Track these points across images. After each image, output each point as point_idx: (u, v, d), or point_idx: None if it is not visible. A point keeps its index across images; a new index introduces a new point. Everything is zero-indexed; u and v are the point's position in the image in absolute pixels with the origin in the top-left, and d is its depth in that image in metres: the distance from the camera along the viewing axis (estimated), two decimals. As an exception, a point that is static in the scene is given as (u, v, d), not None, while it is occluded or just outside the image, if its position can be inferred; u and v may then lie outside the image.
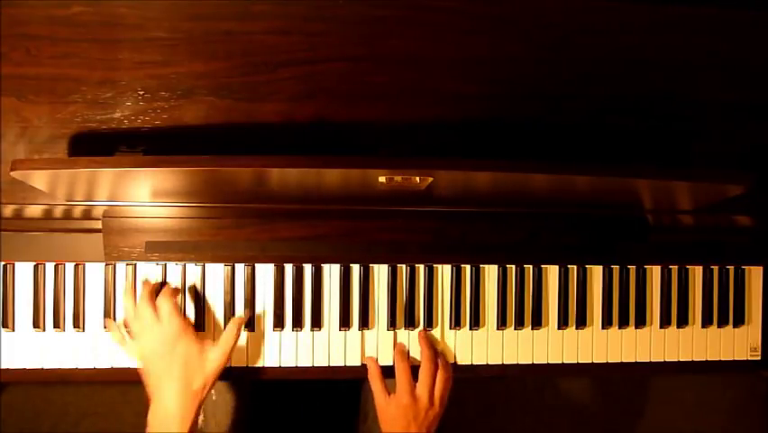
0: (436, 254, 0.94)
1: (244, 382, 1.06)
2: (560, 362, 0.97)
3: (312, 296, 0.93)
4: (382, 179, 0.71)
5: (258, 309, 0.92)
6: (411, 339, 0.94)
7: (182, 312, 0.84)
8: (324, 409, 1.14)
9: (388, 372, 0.92)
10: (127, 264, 0.90)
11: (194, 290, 0.91)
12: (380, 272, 0.94)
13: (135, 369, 0.90)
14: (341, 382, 1.09)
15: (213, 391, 0.97)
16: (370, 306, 0.94)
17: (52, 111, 0.80)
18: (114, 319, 0.90)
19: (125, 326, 0.88)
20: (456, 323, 0.95)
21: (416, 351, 0.93)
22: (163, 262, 0.90)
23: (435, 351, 0.92)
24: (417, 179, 0.71)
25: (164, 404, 0.78)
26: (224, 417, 0.94)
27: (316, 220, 0.90)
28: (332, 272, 0.93)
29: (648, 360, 0.99)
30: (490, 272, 0.96)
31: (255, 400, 1.06)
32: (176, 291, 0.88)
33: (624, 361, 0.98)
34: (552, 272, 0.97)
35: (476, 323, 0.95)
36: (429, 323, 0.94)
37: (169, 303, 0.84)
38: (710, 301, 1.01)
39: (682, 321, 1.00)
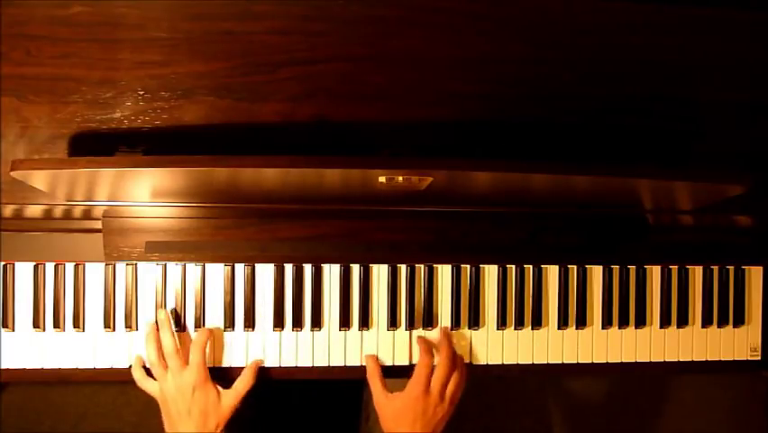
0: (436, 254, 0.94)
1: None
2: (560, 362, 0.97)
3: (312, 296, 0.93)
4: (382, 179, 0.71)
5: (258, 309, 0.92)
6: (411, 339, 0.94)
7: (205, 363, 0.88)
8: (324, 410, 1.14)
9: (387, 372, 0.92)
10: (127, 264, 0.90)
11: (194, 290, 0.91)
12: (380, 272, 0.94)
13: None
14: (342, 383, 1.09)
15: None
16: (370, 306, 0.94)
17: (52, 111, 0.80)
18: (114, 321, 0.90)
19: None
20: (456, 323, 0.95)
21: (414, 350, 0.93)
22: (163, 263, 0.90)
23: (454, 350, 0.91)
24: (417, 179, 0.71)
25: None
26: (224, 417, 0.94)
27: (316, 220, 0.90)
28: (332, 272, 0.93)
29: (648, 360, 0.99)
30: (490, 272, 0.96)
31: (255, 400, 1.06)
32: (207, 340, 0.89)
33: (624, 361, 0.98)
34: (552, 272, 0.97)
35: (476, 323, 0.95)
36: (429, 323, 0.94)
37: (199, 356, 0.86)
38: (710, 301, 1.01)
39: (682, 321, 1.00)
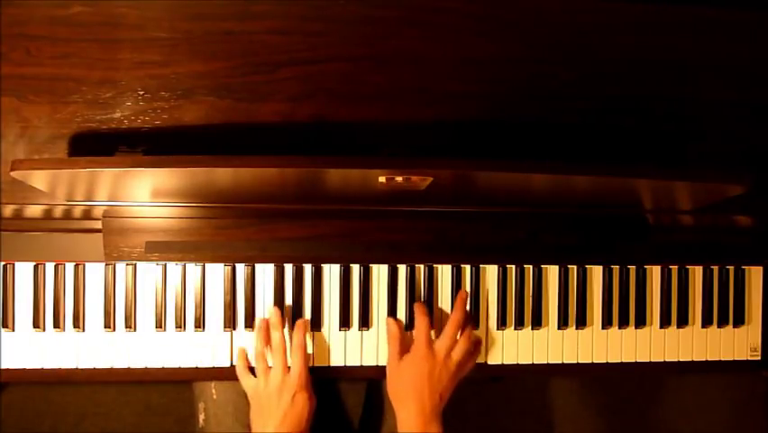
0: (436, 254, 0.94)
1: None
2: (560, 362, 0.97)
3: (312, 296, 0.93)
4: (382, 179, 0.71)
5: (258, 309, 0.92)
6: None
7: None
8: (325, 410, 1.14)
9: (385, 371, 0.92)
10: (127, 264, 0.90)
11: (194, 290, 0.91)
12: (380, 272, 0.94)
13: (135, 369, 0.90)
14: (344, 383, 1.09)
15: (213, 391, 0.97)
16: (370, 306, 0.94)
17: (52, 111, 0.80)
18: (114, 321, 0.90)
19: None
20: (456, 323, 0.95)
21: (416, 351, 0.93)
22: (163, 263, 0.91)
23: (466, 317, 0.92)
24: (417, 179, 0.71)
25: None
26: (225, 417, 0.94)
27: (316, 220, 0.90)
28: (332, 272, 0.93)
29: (648, 360, 0.99)
30: (490, 272, 0.96)
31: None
32: (306, 341, 0.90)
33: (624, 361, 0.98)
34: (552, 272, 0.97)
35: (476, 323, 0.95)
36: (430, 323, 0.94)
37: (301, 360, 0.87)
38: (710, 301, 1.01)
39: (682, 321, 1.00)
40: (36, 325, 0.89)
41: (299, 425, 0.85)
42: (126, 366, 0.90)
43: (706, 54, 0.87)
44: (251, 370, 0.90)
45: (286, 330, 0.90)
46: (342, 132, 0.83)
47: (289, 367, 0.87)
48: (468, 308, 0.95)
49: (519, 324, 0.96)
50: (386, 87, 0.83)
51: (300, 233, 0.90)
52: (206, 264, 0.91)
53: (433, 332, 0.94)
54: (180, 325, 0.91)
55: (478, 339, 0.94)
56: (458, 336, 0.90)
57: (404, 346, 0.89)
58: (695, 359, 1.00)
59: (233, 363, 0.91)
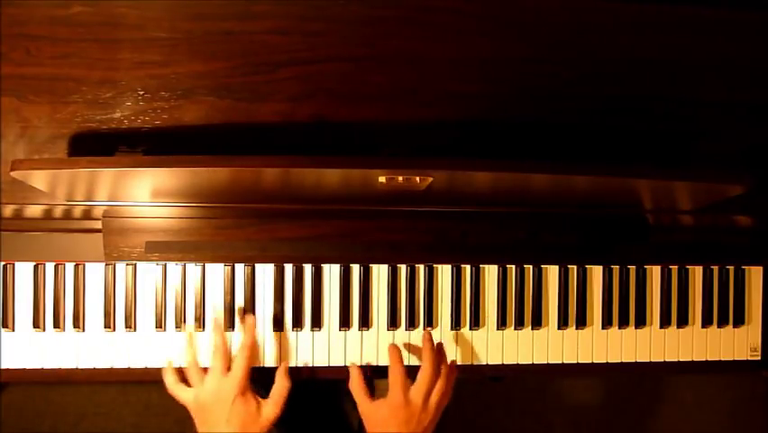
0: (436, 254, 0.94)
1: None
2: (560, 362, 0.97)
3: (312, 296, 0.93)
4: (382, 179, 0.71)
5: (258, 310, 0.92)
6: (411, 339, 0.94)
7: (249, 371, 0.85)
8: (324, 409, 1.14)
9: (385, 372, 0.92)
10: (127, 264, 0.90)
11: (194, 290, 0.91)
12: (380, 272, 0.94)
13: (135, 369, 0.90)
14: (342, 382, 1.09)
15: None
16: (370, 306, 0.94)
17: (52, 111, 0.80)
18: (114, 321, 0.90)
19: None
20: (456, 323, 0.95)
21: (417, 351, 0.93)
22: (163, 263, 0.90)
23: (439, 355, 0.88)
24: (417, 179, 0.71)
25: None
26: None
27: (316, 220, 0.90)
28: (332, 272, 0.93)
29: (648, 360, 0.99)
30: (490, 272, 0.96)
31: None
32: (253, 347, 0.88)
33: (624, 361, 0.98)
34: (552, 272, 0.97)
35: (476, 323, 0.95)
36: (429, 323, 0.94)
37: (244, 362, 0.84)
38: (710, 301, 1.01)
39: (682, 321, 1.00)
40: (36, 325, 0.89)
41: (245, 426, 0.81)
42: (126, 366, 0.90)
43: (706, 54, 0.87)
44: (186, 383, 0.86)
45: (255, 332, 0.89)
46: (343, 132, 0.83)
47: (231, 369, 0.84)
48: (468, 309, 0.95)
49: (519, 324, 0.96)
50: (386, 87, 0.83)
51: (300, 233, 0.90)
52: (206, 264, 0.91)
53: (433, 330, 0.94)
54: (180, 325, 0.91)
55: (452, 364, 0.90)
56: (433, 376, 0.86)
57: (367, 391, 0.87)
58: (695, 359, 1.00)
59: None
